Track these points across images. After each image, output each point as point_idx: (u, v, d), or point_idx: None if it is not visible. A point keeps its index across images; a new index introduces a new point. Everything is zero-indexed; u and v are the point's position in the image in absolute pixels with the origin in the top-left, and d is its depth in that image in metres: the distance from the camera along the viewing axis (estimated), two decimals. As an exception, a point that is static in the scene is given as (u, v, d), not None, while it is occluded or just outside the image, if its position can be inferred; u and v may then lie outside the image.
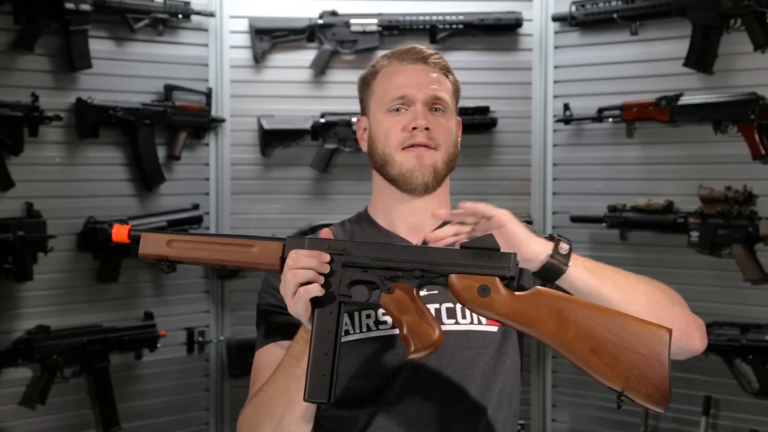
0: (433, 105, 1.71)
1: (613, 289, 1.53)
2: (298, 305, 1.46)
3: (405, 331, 1.47)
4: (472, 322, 1.66)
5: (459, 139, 1.78)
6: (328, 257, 1.47)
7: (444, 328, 1.61)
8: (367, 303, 1.51)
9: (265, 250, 1.51)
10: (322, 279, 1.46)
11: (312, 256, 1.46)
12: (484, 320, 1.67)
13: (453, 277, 1.48)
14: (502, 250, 1.48)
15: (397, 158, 1.70)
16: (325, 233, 1.54)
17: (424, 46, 1.78)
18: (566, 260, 1.52)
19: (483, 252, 1.47)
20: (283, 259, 1.49)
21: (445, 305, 1.66)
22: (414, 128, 1.69)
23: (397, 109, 1.71)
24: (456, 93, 1.78)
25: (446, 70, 1.77)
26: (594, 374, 1.42)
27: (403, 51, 1.76)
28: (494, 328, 1.67)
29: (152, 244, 1.54)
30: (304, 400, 1.47)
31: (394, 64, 1.75)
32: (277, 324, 1.66)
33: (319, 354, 1.47)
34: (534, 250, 1.53)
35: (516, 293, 1.46)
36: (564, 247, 1.53)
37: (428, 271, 1.49)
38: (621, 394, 1.41)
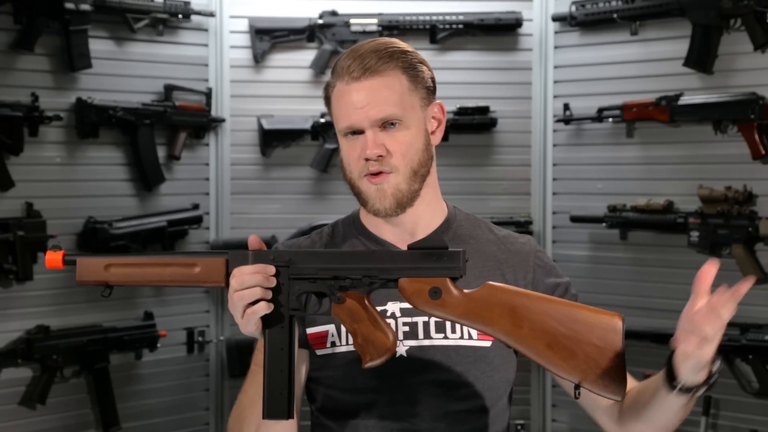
0: (384, 123, 1.59)
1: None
2: (248, 326, 1.44)
3: (360, 340, 1.45)
4: (461, 337, 1.61)
5: (440, 126, 1.67)
6: (273, 270, 1.43)
7: (432, 342, 1.60)
8: (319, 314, 1.48)
9: (208, 268, 1.46)
10: (269, 294, 1.42)
11: (256, 271, 1.42)
12: (474, 335, 1.62)
13: (403, 281, 1.45)
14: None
15: (361, 186, 1.62)
16: (253, 241, 1.47)
17: (372, 46, 1.62)
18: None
19: (432, 252, 1.44)
20: (227, 275, 1.45)
21: (434, 318, 1.61)
22: (367, 158, 1.59)
23: (353, 133, 1.61)
24: (420, 83, 1.63)
25: (404, 68, 1.61)
26: (551, 369, 1.41)
27: (349, 64, 1.60)
28: (486, 343, 1.62)
29: (89, 270, 1.48)
30: (264, 418, 1.46)
31: (341, 83, 1.60)
32: None
33: (274, 372, 1.45)
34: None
35: (467, 292, 1.44)
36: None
37: (377, 277, 1.45)
38: (578, 385, 1.41)
